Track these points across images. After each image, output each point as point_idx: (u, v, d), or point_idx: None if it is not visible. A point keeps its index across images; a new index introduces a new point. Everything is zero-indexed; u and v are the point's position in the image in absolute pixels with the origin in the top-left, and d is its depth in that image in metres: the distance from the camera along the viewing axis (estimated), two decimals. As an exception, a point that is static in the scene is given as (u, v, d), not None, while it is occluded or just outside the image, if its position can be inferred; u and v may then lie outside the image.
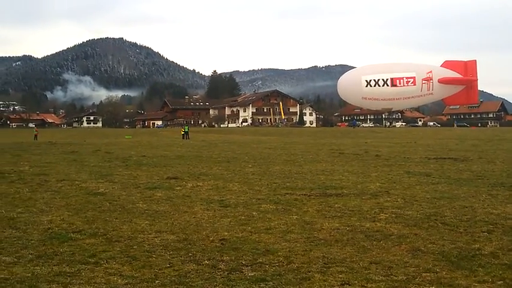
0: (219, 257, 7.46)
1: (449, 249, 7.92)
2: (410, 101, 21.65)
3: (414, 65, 22.47)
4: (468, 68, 21.40)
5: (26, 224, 9.74)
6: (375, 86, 20.15)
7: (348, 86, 21.05)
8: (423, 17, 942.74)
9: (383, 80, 20.15)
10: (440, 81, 20.81)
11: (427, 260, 7.33)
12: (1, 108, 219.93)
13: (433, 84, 20.73)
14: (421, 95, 21.01)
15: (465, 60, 21.92)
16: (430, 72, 20.84)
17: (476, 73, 21.42)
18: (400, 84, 20.31)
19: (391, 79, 20.22)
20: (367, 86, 20.16)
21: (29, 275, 6.61)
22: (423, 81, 20.57)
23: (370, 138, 58.09)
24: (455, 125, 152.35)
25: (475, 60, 21.64)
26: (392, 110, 23.11)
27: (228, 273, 6.69)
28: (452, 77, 21.08)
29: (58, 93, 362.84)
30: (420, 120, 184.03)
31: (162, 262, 7.20)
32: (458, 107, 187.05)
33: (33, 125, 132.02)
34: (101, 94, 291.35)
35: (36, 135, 62.86)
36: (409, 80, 20.47)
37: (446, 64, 21.69)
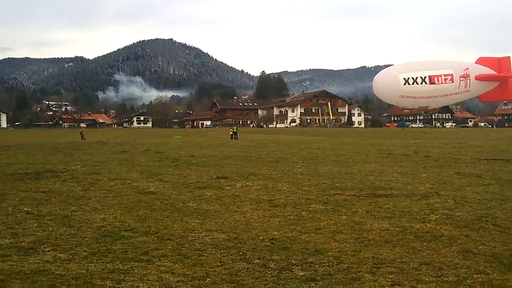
0: (269, 256, 7.53)
1: (500, 251, 7.83)
2: (447, 98, 21.33)
3: (450, 62, 22.13)
4: (502, 65, 21.11)
5: (79, 222, 10.00)
6: (413, 83, 19.90)
7: (385, 84, 20.80)
8: (477, 16, 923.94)
9: (421, 77, 19.88)
10: (477, 78, 20.54)
11: (478, 261, 7.26)
12: (54, 109, 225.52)
13: (470, 81, 20.44)
14: (458, 92, 20.74)
15: (499, 57, 21.66)
16: (467, 69, 20.54)
17: (511, 69, 21.16)
18: (438, 81, 20.04)
19: (429, 77, 19.95)
20: (405, 84, 19.89)
21: (84, 271, 6.81)
22: (461, 79, 20.30)
23: (419, 139, 57.24)
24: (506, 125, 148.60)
25: (509, 57, 21.45)
26: (429, 108, 22.75)
27: (278, 272, 6.75)
28: (489, 74, 20.80)
29: (110, 94, 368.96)
30: (471, 121, 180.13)
31: (213, 260, 7.31)
32: (510, 107, 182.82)
33: (84, 125, 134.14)
34: (151, 95, 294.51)
35: (82, 135, 62.35)
36: (447, 77, 20.17)
37: (481, 61, 21.47)
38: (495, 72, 20.97)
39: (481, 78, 20.66)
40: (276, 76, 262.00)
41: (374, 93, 22.88)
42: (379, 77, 21.23)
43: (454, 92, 20.61)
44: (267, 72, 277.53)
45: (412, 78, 19.91)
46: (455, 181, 16.54)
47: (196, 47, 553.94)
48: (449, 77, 20.21)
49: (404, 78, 19.92)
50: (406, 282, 6.34)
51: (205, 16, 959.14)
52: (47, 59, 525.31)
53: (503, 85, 21.28)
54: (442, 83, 20.13)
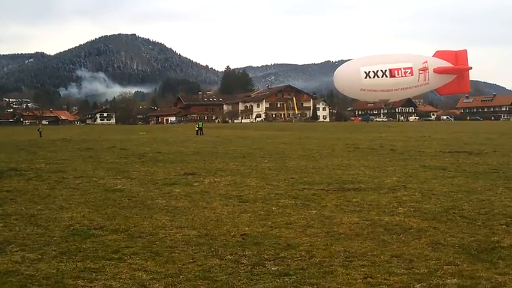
0: (241, 251, 7.54)
1: (468, 242, 7.97)
2: (407, 91, 21.58)
3: (410, 56, 22.37)
4: (459, 58, 21.51)
5: (47, 220, 9.86)
6: (374, 77, 20.02)
7: (346, 78, 20.87)
8: (439, 11, 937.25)
9: (382, 71, 20.02)
10: (435, 70, 20.84)
11: (447, 253, 7.38)
12: (14, 106, 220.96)
13: (428, 74, 20.73)
14: (418, 86, 21.01)
15: (455, 50, 22.08)
16: (426, 62, 20.83)
17: (467, 63, 21.63)
18: (398, 75, 20.24)
19: (390, 70, 20.12)
20: (366, 77, 19.99)
21: (54, 271, 6.72)
22: (420, 72, 20.55)
23: (384, 133, 58.03)
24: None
25: (466, 50, 21.89)
26: (389, 101, 23.03)
27: (251, 268, 6.76)
28: (447, 67, 21.15)
29: (73, 90, 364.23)
30: (433, 114, 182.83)
31: (185, 257, 7.29)
32: (471, 100, 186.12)
33: (46, 122, 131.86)
34: (115, 91, 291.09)
35: (40, 132, 61.96)
36: (406, 70, 20.41)
37: (438, 54, 21.79)
38: (452, 65, 21.33)
39: (439, 71, 20.97)
40: (241, 71, 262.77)
41: (335, 87, 22.94)
42: (340, 71, 21.30)
43: (413, 85, 20.85)
44: (232, 67, 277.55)
45: (373, 71, 20.02)
46: (421, 174, 16.78)
47: (159, 42, 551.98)
48: (409, 70, 20.43)
49: (366, 72, 20.02)
50: (379, 275, 6.40)
51: (169, 11, 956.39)
52: (6, 55, 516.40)
53: (460, 78, 21.67)
54: (402, 76, 20.33)
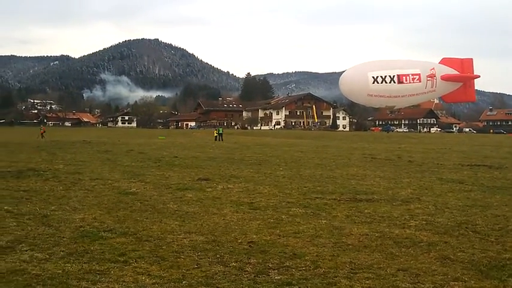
0: (246, 259, 7.51)
1: (479, 258, 7.84)
2: (414, 98, 21.36)
3: (417, 62, 22.08)
4: (465, 66, 21.34)
5: (58, 221, 9.94)
6: (381, 82, 19.76)
7: (353, 83, 20.57)
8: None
9: (390, 76, 19.77)
10: (443, 78, 20.65)
11: (455, 268, 7.27)
12: (38, 107, 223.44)
13: (436, 81, 20.52)
14: (425, 92, 20.80)
15: (462, 58, 21.93)
16: (433, 69, 20.62)
17: (473, 71, 21.47)
18: (406, 81, 20.00)
19: (398, 76, 19.87)
20: (373, 82, 19.76)
21: (60, 271, 6.76)
22: (428, 78, 20.34)
23: (403, 144, 57.51)
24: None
25: (471, 59, 21.73)
26: (395, 107, 22.79)
27: (254, 276, 6.73)
28: (454, 74, 20.96)
29: (97, 93, 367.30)
30: (456, 126, 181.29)
31: (190, 263, 7.28)
32: (495, 113, 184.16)
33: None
34: (138, 95, 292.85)
35: (42, 134, 62.12)
36: (414, 76, 20.20)
37: (445, 61, 21.58)
38: (459, 73, 21.19)
39: (446, 78, 20.80)
40: (262, 78, 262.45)
41: (341, 92, 22.64)
42: (346, 75, 21.02)
43: (421, 92, 20.67)
44: (253, 74, 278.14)
45: (381, 76, 19.77)
46: (437, 187, 16.60)
47: (181, 47, 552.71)
48: (417, 77, 20.24)
49: (373, 77, 19.79)
50: (382, 288, 6.34)
51: (191, 17, 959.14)
52: (32, 57, 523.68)
53: (466, 86, 21.51)
54: (410, 82, 20.14)
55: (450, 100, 23.49)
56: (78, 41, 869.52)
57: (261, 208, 11.93)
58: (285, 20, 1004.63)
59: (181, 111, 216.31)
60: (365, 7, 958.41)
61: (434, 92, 21.34)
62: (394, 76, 19.83)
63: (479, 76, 21.76)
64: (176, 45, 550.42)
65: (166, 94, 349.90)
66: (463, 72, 21.23)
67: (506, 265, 7.48)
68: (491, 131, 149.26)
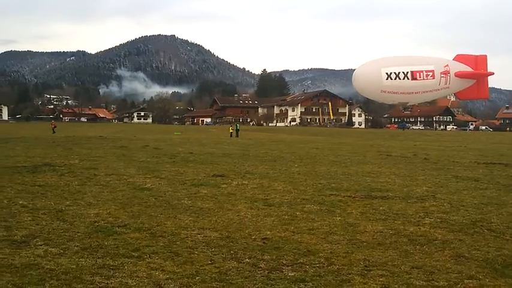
0: (260, 255, 7.51)
1: (493, 256, 7.78)
2: (427, 94, 21.22)
3: (431, 58, 21.90)
4: (479, 63, 21.12)
5: (73, 216, 10.01)
6: (395, 78, 19.61)
7: (367, 79, 20.41)
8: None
9: (403, 72, 19.61)
10: (457, 74, 20.47)
11: (470, 266, 7.22)
12: (55, 102, 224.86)
13: (450, 78, 20.34)
14: (438, 89, 20.62)
15: (476, 54, 21.72)
16: (447, 65, 20.44)
17: (487, 68, 21.26)
18: (420, 77, 19.86)
19: (412, 72, 19.73)
20: (387, 78, 19.60)
21: (74, 266, 6.80)
22: (441, 75, 20.17)
23: (419, 141, 57.20)
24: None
25: (485, 55, 21.52)
26: (408, 104, 22.67)
27: (268, 272, 6.73)
28: (468, 71, 20.77)
29: (114, 89, 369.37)
30: (472, 124, 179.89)
31: (203, 259, 7.30)
32: (511, 111, 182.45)
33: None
34: (154, 91, 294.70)
35: (53, 128, 63.30)
36: (428, 73, 20.03)
37: (459, 58, 21.38)
38: (473, 70, 21.01)
39: (460, 75, 20.64)
40: (277, 75, 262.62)
41: (354, 87, 22.47)
42: (359, 71, 20.89)
43: (434, 89, 20.52)
44: (269, 70, 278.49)
45: (395, 73, 19.64)
46: (452, 184, 16.48)
47: (198, 43, 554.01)
48: (431, 73, 20.10)
49: (387, 73, 19.67)
50: (396, 286, 6.31)
51: (208, 13, 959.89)
52: (49, 52, 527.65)
53: (480, 83, 21.33)
54: (423, 78, 20.01)
55: (464, 97, 23.33)
56: (94, 37, 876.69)
57: (276, 204, 11.91)
58: (301, 16, 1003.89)
59: (197, 107, 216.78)
60: (382, 3, 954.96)
61: (447, 89, 21.19)
62: (407, 72, 19.72)
63: (493, 73, 21.58)
64: (192, 41, 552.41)
65: (182, 90, 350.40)
66: (476, 69, 21.06)
67: (521, 263, 7.42)
68: (508, 129, 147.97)
